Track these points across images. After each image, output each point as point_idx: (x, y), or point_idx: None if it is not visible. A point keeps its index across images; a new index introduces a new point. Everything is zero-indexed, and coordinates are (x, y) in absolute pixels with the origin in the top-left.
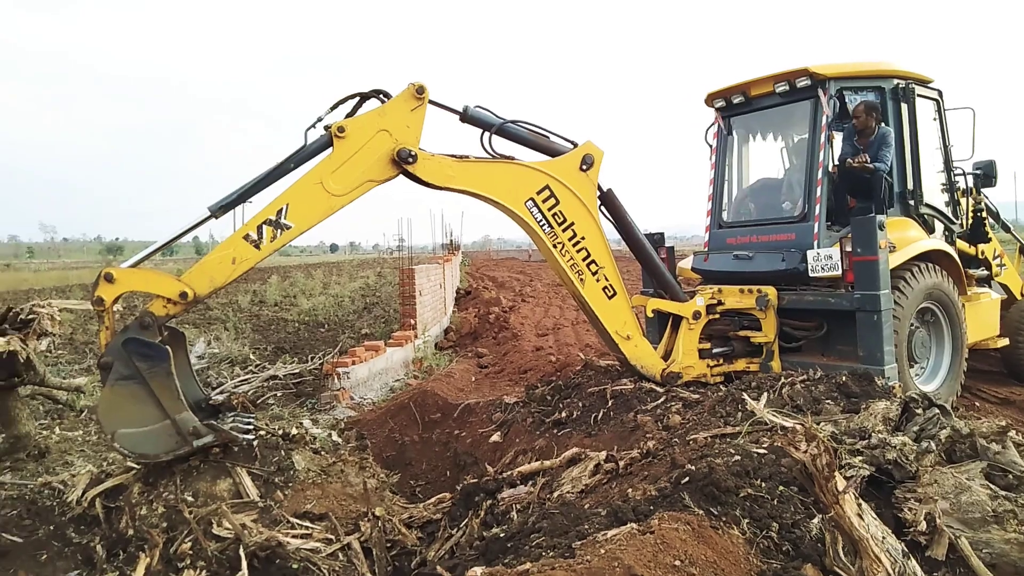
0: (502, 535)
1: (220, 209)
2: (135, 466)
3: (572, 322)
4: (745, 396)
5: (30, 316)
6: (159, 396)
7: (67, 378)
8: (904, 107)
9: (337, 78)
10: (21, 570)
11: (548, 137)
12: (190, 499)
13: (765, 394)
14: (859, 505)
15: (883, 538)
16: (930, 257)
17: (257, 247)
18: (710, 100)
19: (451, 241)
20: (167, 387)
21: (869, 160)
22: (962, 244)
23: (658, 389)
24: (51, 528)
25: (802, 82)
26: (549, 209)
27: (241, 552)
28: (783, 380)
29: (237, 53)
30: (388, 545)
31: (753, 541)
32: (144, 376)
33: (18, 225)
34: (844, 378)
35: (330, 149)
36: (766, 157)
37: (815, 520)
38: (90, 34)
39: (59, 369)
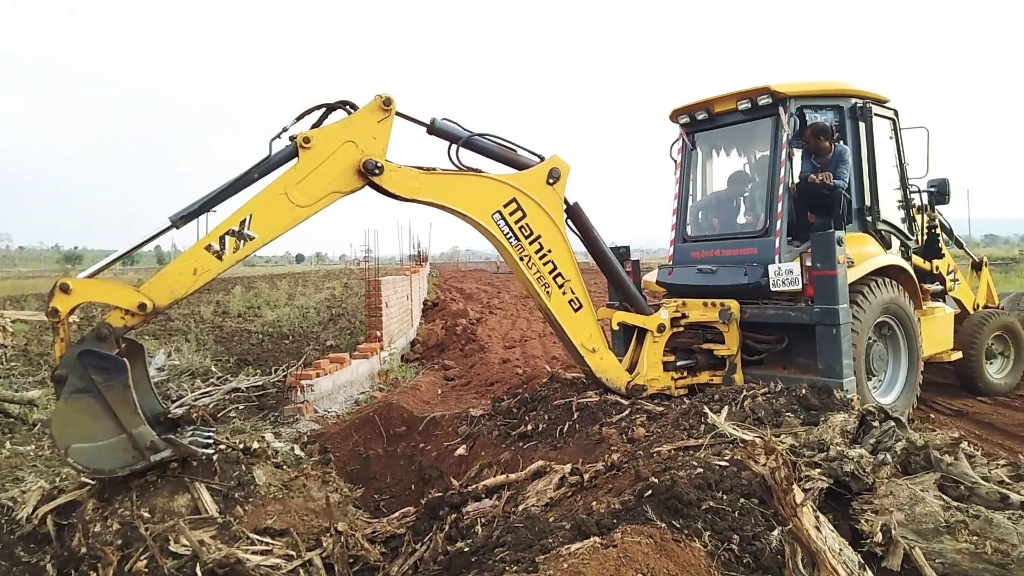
0: (466, 550)
1: (182, 219)
2: (90, 482)
3: (539, 334)
4: (706, 409)
5: None
6: (115, 410)
7: (20, 391)
8: (862, 126)
9: (321, 89)
10: None
11: (515, 150)
12: (147, 515)
13: (727, 407)
14: (817, 517)
15: (840, 550)
16: (887, 272)
17: (219, 258)
18: (675, 116)
19: (419, 252)
20: (124, 400)
21: (821, 182)
22: (917, 260)
23: (623, 402)
24: None
25: (763, 100)
26: (516, 222)
27: (198, 570)
28: (745, 393)
29: (214, 59)
30: (351, 561)
31: (715, 554)
32: (100, 389)
33: None
34: (804, 391)
35: (295, 160)
36: (729, 173)
37: (775, 532)
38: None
39: (11, 382)
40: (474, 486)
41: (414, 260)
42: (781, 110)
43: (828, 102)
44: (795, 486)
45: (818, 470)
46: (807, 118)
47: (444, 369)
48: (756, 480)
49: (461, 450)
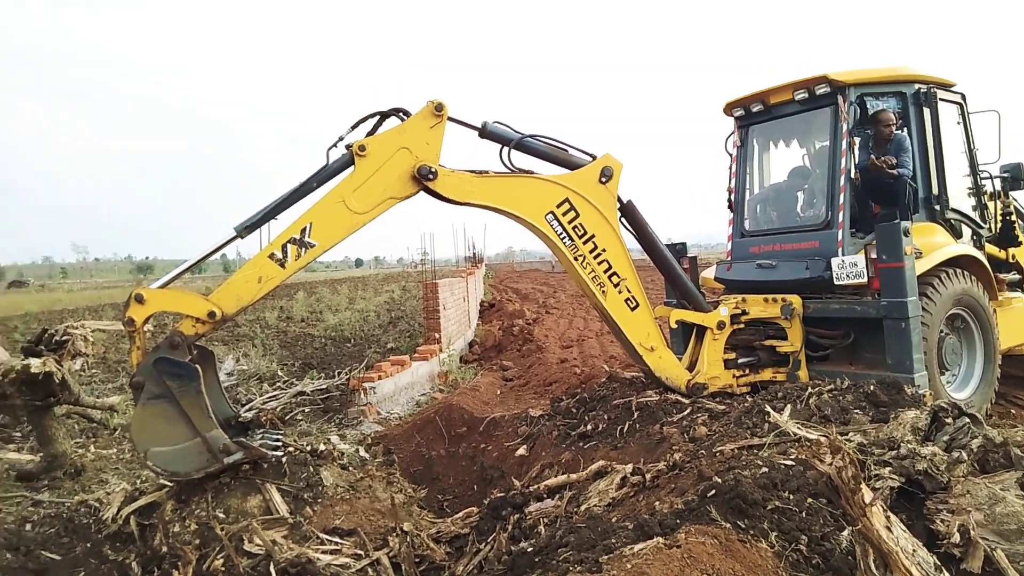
0: (530, 550)
1: (245, 229)
2: (168, 484)
3: (596, 333)
4: (768, 408)
5: (64, 337)
6: (190, 414)
7: (101, 397)
8: (926, 112)
9: (370, 97)
10: None
11: (567, 150)
12: (221, 516)
13: (791, 405)
14: (887, 517)
15: (913, 551)
16: (958, 263)
17: (282, 265)
18: (729, 109)
19: (474, 254)
20: (197, 405)
21: (888, 166)
22: (991, 248)
23: (684, 400)
24: (88, 545)
25: (821, 89)
26: (569, 222)
27: (272, 569)
28: (810, 390)
29: (260, 78)
30: (417, 560)
31: (782, 554)
32: (175, 395)
33: (51, 246)
34: (872, 387)
35: (351, 168)
36: (787, 165)
37: (845, 533)
38: (112, 50)
39: (93, 388)
40: (536, 486)
41: (470, 262)
42: (840, 99)
43: (890, 89)
44: (863, 485)
45: (888, 469)
46: (868, 106)
47: (502, 370)
48: (822, 480)
49: (522, 450)
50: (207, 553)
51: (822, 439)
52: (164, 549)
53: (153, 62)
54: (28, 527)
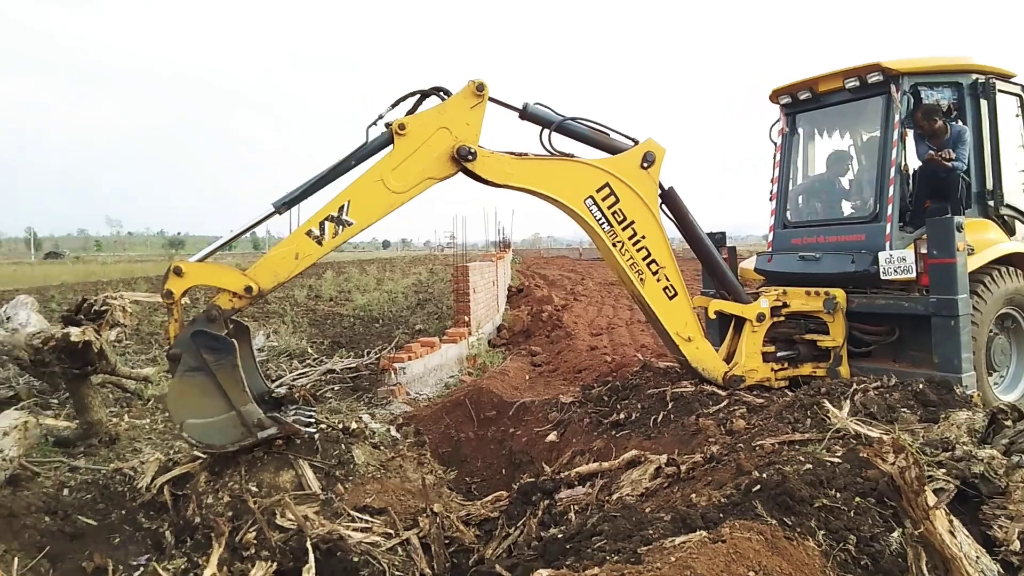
0: (560, 536)
1: (284, 205)
2: (201, 455)
3: (627, 322)
4: (827, 403)
5: (103, 307)
6: (225, 388)
7: (135, 368)
8: (984, 103)
9: (424, 76)
10: (96, 552)
11: (608, 134)
12: (254, 489)
13: (847, 402)
14: (951, 522)
15: (977, 557)
16: (1011, 260)
17: (319, 243)
18: (775, 96)
19: (503, 238)
20: (233, 379)
21: (944, 159)
22: None
23: (720, 392)
24: (123, 513)
25: (874, 77)
26: (609, 207)
27: (308, 544)
28: (855, 386)
29: (300, 64)
30: (446, 541)
31: (829, 554)
32: (211, 368)
33: (86, 219)
34: (921, 385)
35: (390, 147)
36: (833, 155)
37: (895, 534)
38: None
39: (127, 359)
40: (566, 473)
41: (498, 246)
42: (893, 88)
43: (945, 79)
44: (927, 487)
45: (942, 471)
46: (922, 96)
47: (531, 355)
48: (883, 479)
49: (552, 436)
50: (239, 525)
51: (884, 437)
52: (197, 520)
53: (192, 40)
54: (65, 492)
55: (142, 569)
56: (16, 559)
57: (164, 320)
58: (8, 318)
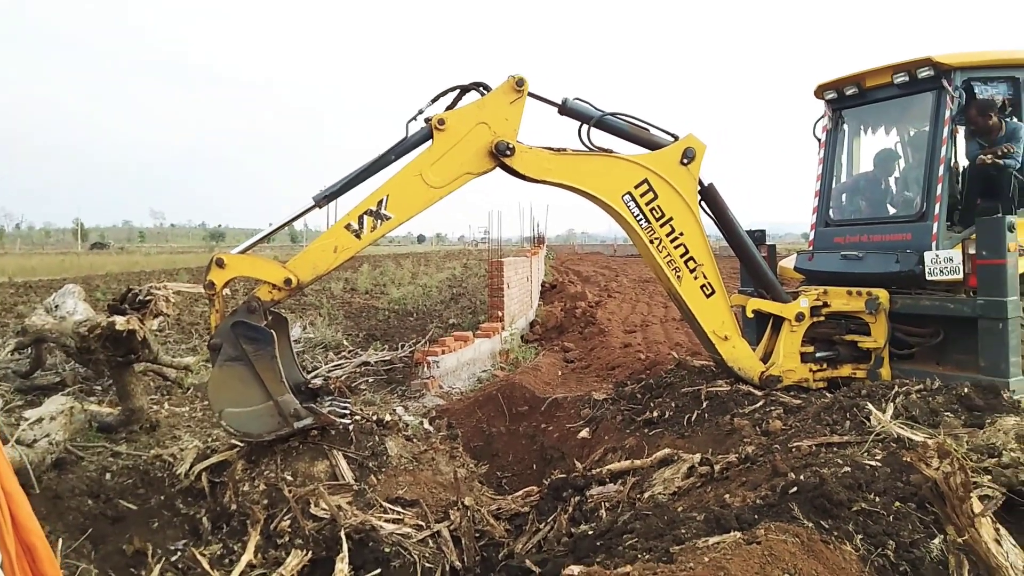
0: (591, 533)
1: (324, 199)
2: (239, 444)
3: (661, 319)
4: (870, 406)
5: (147, 297)
6: (263, 378)
7: (175, 357)
8: None
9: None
10: (136, 536)
11: (648, 130)
12: (289, 478)
13: (891, 404)
14: (997, 530)
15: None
16: None
17: (358, 236)
18: (820, 92)
19: (537, 234)
20: (271, 370)
21: (1000, 155)
22: None
23: (756, 392)
24: (162, 498)
25: (924, 72)
26: (647, 203)
27: (342, 533)
28: (897, 389)
29: (334, 60)
30: (476, 535)
31: (867, 559)
32: (250, 358)
33: (131, 211)
34: (966, 389)
35: (430, 141)
36: (879, 152)
37: (936, 541)
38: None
39: (168, 349)
40: (598, 470)
41: (532, 242)
42: (944, 83)
43: (1001, 73)
44: (972, 495)
45: (988, 477)
46: (975, 91)
47: (564, 351)
48: (926, 485)
49: (584, 433)
50: (274, 514)
51: (929, 442)
52: (233, 507)
53: (234, 40)
54: (108, 476)
55: (180, 554)
56: (60, 540)
57: (205, 310)
58: (56, 306)
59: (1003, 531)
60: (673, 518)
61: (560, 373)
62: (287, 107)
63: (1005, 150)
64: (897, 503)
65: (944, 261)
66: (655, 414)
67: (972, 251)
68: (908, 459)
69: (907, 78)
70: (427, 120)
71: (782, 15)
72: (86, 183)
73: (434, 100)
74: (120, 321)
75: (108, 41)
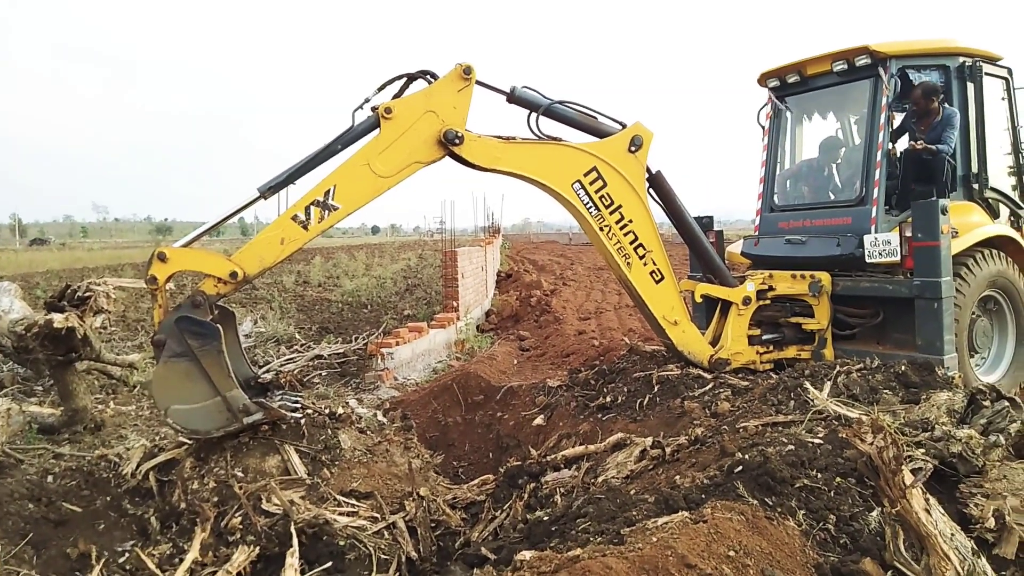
0: (546, 518)
1: (269, 190)
2: (187, 441)
3: (615, 306)
4: (808, 385)
5: (87, 294)
6: (210, 373)
7: (120, 354)
8: (970, 86)
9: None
10: (81, 539)
11: (596, 118)
12: (240, 475)
13: (828, 383)
14: (927, 500)
15: (952, 535)
16: (995, 243)
17: (305, 228)
18: (763, 80)
19: (492, 224)
20: (218, 365)
21: (930, 143)
22: None
23: (706, 375)
24: (108, 499)
25: (862, 60)
26: (596, 191)
27: (292, 528)
28: (838, 368)
29: (282, 48)
30: (432, 525)
31: (809, 533)
32: (196, 354)
33: (72, 206)
34: (903, 367)
35: (377, 130)
36: (821, 139)
37: (874, 513)
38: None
39: (112, 346)
40: (553, 456)
41: (487, 231)
42: (881, 70)
43: (933, 61)
44: (904, 467)
45: (921, 450)
46: (910, 79)
47: (519, 340)
48: (861, 459)
49: (539, 420)
50: (225, 511)
51: (863, 418)
52: (183, 505)
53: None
54: (50, 479)
55: (127, 555)
56: None
57: (150, 307)
58: None
59: (932, 501)
60: (625, 501)
61: (515, 362)
62: (237, 94)
63: (925, 148)
64: (838, 479)
65: (883, 244)
66: (608, 399)
67: (908, 234)
68: (844, 435)
69: (846, 66)
70: (374, 109)
71: (726, 4)
72: (24, 176)
73: (381, 88)
74: (58, 319)
75: (23, 21)
